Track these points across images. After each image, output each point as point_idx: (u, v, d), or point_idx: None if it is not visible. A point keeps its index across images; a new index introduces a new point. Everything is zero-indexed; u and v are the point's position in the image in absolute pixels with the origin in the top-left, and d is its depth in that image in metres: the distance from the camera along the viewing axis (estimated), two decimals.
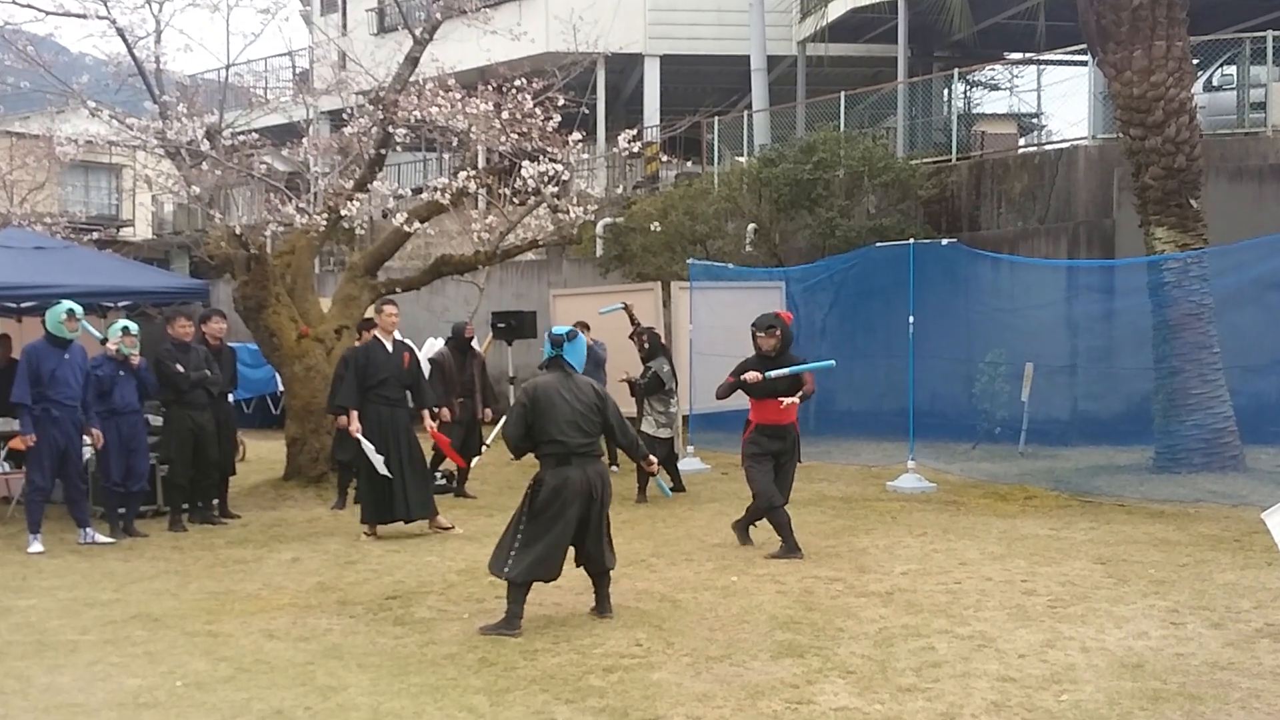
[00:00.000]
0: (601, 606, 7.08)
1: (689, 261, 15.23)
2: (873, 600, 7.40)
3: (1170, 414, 12.38)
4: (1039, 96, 29.82)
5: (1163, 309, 12.47)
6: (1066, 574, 8.05)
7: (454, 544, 9.58)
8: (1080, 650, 6.23)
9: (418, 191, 16.95)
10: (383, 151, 12.83)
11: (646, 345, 12.14)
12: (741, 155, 21.80)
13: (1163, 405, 12.52)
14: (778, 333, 8.93)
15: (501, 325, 15.76)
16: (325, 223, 12.44)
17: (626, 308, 13.19)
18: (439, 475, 12.47)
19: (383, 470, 9.79)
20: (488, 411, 12.69)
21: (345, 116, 13.46)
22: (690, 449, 14.19)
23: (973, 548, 9.04)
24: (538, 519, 6.85)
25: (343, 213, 12.36)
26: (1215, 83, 17.88)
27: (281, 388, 14.44)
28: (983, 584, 7.81)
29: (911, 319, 12.31)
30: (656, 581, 8.03)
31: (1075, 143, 17.83)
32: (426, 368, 12.48)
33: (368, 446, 9.81)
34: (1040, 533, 9.63)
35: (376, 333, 10.33)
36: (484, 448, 13.33)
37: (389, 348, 10.20)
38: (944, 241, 13.54)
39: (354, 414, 9.98)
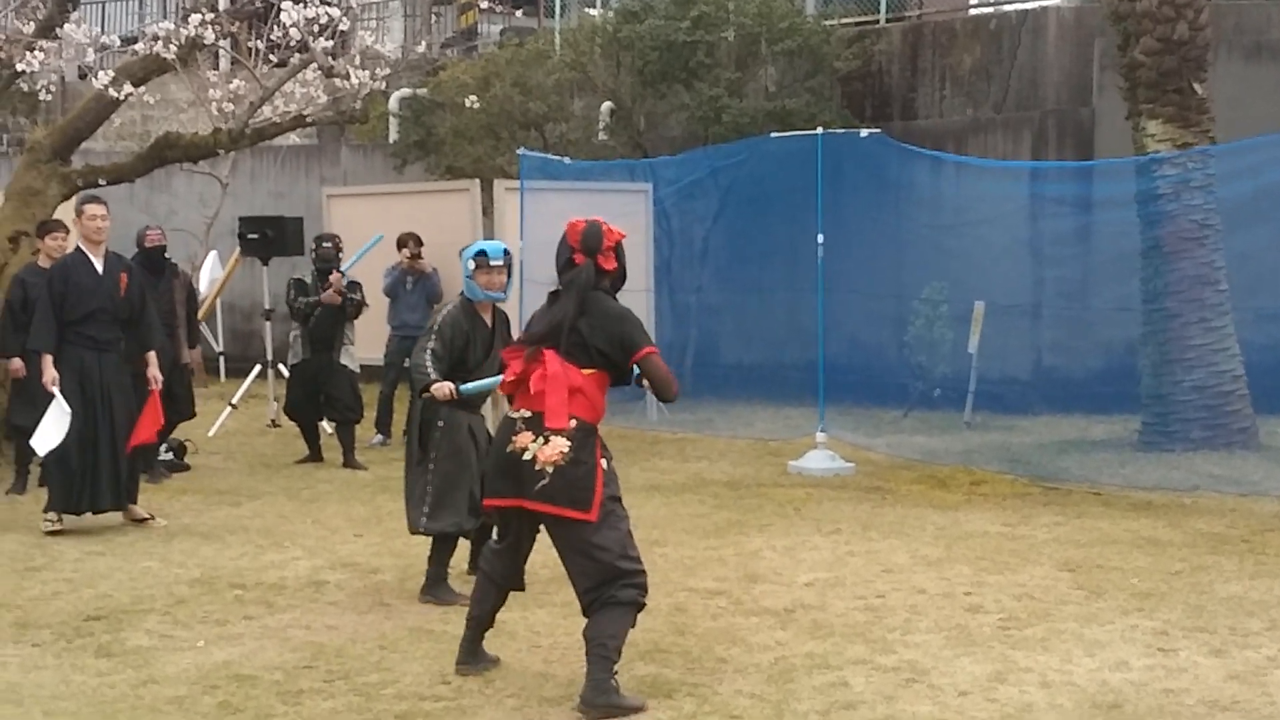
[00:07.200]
0: None
1: (519, 152, 15.12)
2: (767, 621, 7.51)
3: (1162, 372, 12.76)
4: None
5: (1154, 228, 12.80)
6: (1024, 584, 8.28)
7: (184, 544, 9.42)
8: (1040, 685, 6.41)
9: (130, 42, 16.45)
10: None
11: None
12: (594, 6, 21.69)
13: (1152, 360, 12.89)
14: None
15: (253, 236, 15.40)
16: None
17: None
18: (164, 448, 12.36)
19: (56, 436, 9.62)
20: (193, 354, 12.79)
21: None
22: None
23: (901, 550, 9.23)
24: None
25: (20, 68, 12.10)
26: None
27: None
28: (913, 598, 7.98)
29: (821, 238, 12.44)
30: None
31: (1044, 3, 18.21)
32: None
33: (61, 407, 9.57)
34: (990, 530, 9.89)
35: (80, 244, 10.05)
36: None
37: (98, 266, 9.96)
38: (864, 132, 13.65)
39: (48, 359, 9.74)
